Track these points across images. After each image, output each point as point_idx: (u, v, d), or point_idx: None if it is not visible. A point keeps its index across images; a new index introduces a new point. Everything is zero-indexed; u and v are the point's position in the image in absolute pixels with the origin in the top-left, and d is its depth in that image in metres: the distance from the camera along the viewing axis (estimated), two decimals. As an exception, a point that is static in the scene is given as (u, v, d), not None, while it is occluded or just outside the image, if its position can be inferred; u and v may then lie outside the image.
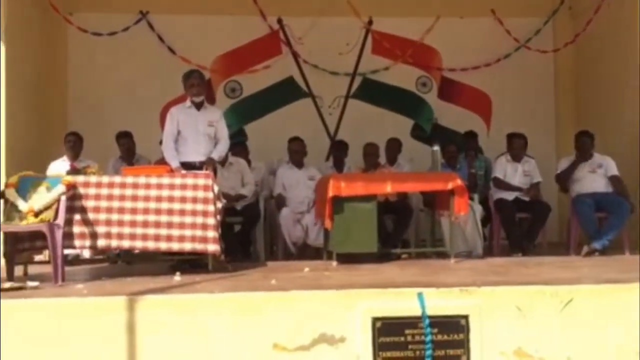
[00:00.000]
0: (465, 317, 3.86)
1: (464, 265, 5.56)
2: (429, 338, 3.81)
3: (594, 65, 8.25)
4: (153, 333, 3.75)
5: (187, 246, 4.95)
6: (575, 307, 3.90)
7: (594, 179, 6.63)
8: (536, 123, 8.38)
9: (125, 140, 7.02)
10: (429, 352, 3.81)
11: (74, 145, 6.65)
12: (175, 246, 4.95)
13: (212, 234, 4.93)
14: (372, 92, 8.55)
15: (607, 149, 6.94)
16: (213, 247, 4.93)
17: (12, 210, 4.76)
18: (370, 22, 8.51)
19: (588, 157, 6.72)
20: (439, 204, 6.23)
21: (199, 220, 4.93)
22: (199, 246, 4.93)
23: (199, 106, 5.81)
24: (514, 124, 7.80)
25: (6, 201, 4.80)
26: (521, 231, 6.72)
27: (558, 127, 8.68)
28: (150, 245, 4.92)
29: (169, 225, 4.91)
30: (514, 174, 6.92)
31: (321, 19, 8.16)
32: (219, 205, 5.05)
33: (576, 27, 8.47)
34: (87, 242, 4.92)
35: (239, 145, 7.32)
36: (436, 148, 6.33)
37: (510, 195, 6.80)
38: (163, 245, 4.93)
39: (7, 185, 4.85)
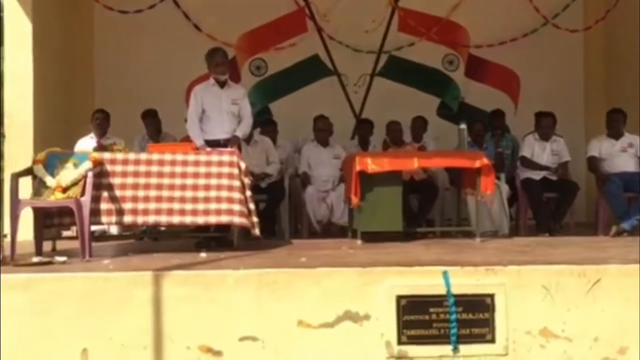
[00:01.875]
0: (491, 296, 3.85)
1: (490, 244, 5.51)
2: (453, 317, 3.80)
3: (624, 42, 8.05)
4: (178, 308, 3.80)
5: (212, 219, 4.97)
6: (603, 287, 3.86)
7: (624, 158, 6.54)
8: (565, 101, 8.22)
9: (151, 120, 7.03)
10: (453, 331, 3.80)
11: (101, 123, 6.71)
12: (200, 219, 4.97)
13: (237, 207, 4.93)
14: (398, 70, 8.45)
15: (638, 128, 6.81)
16: (239, 220, 4.94)
17: (40, 186, 4.81)
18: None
19: (619, 135, 6.63)
20: (465, 182, 6.18)
21: (224, 194, 4.94)
22: (224, 218, 4.94)
23: (222, 84, 5.81)
24: (542, 102, 7.66)
25: (34, 177, 4.86)
26: (548, 211, 6.64)
27: (587, 105, 8.52)
28: (176, 219, 4.95)
29: (194, 199, 4.93)
30: (542, 153, 6.83)
31: (347, -5, 8.08)
32: (247, 181, 5.06)
33: (607, 3, 8.27)
34: (114, 219, 4.96)
35: (268, 123, 7.32)
36: (463, 127, 6.26)
37: (537, 175, 6.72)
38: (188, 219, 4.96)
39: (35, 162, 4.90)
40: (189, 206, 4.93)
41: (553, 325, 3.84)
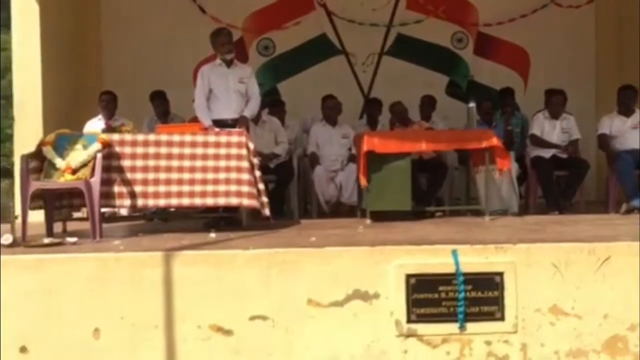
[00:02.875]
0: (500, 274, 3.84)
1: (499, 222, 5.50)
2: (462, 295, 3.80)
3: (635, 18, 7.94)
4: (188, 288, 3.82)
5: (222, 201, 5.00)
6: (613, 265, 3.85)
7: (635, 135, 6.48)
8: (575, 79, 8.15)
9: (159, 101, 7.03)
10: (461, 309, 3.80)
11: (108, 104, 6.71)
12: (209, 201, 5.00)
13: (246, 188, 4.95)
14: (407, 48, 8.41)
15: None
16: (248, 202, 4.95)
17: (49, 167, 4.83)
18: (404, -24, 8.33)
19: (630, 112, 6.58)
20: (475, 159, 6.16)
21: (233, 175, 4.96)
22: (233, 200, 4.96)
23: (229, 64, 5.80)
24: (552, 79, 7.60)
25: (44, 159, 4.87)
26: (558, 189, 6.61)
27: (598, 82, 8.44)
28: (185, 201, 4.97)
29: (203, 181, 4.95)
30: (552, 131, 6.79)
31: (354, -27, 8.02)
32: (255, 161, 5.06)
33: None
34: (125, 201, 4.99)
35: (276, 103, 7.30)
36: (472, 105, 6.23)
37: (547, 153, 6.68)
38: (198, 201, 4.98)
39: (44, 143, 4.90)
40: (198, 188, 4.95)
41: (563, 303, 3.83)
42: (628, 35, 8.22)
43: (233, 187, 4.96)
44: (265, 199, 5.08)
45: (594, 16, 8.48)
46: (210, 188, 4.96)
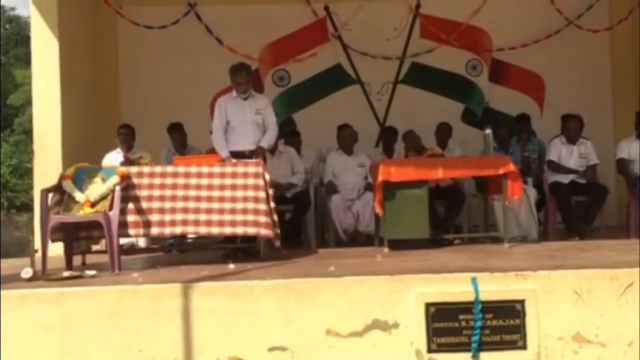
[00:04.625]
0: (521, 302, 3.81)
1: (519, 249, 5.46)
2: (478, 324, 3.76)
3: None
4: (207, 320, 3.81)
5: (239, 230, 4.99)
6: (636, 291, 3.79)
7: (653, 159, 6.44)
8: (592, 103, 8.12)
9: (176, 133, 7.08)
10: (475, 338, 3.75)
11: (127, 138, 6.77)
12: (227, 230, 5.01)
13: (263, 219, 4.95)
14: (421, 76, 8.44)
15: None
16: (265, 231, 4.96)
17: (69, 201, 4.87)
18: (418, 6, 8.38)
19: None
20: (492, 188, 6.13)
21: (250, 205, 4.97)
22: (251, 230, 4.97)
23: (246, 96, 5.84)
24: (569, 104, 7.58)
25: (63, 192, 4.92)
26: (578, 215, 6.55)
27: (615, 106, 8.39)
28: (202, 230, 4.99)
29: (221, 211, 4.96)
30: (570, 156, 6.75)
31: (367, 4, 8.07)
32: (271, 192, 5.07)
33: (632, 1, 8.16)
34: (142, 231, 5.01)
35: (292, 133, 7.34)
36: (488, 131, 6.22)
37: (565, 178, 6.63)
38: (215, 230, 4.99)
39: (64, 177, 4.97)
40: (215, 217, 4.96)
41: (586, 331, 3.78)
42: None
43: (250, 217, 4.97)
44: (277, 231, 5.08)
45: (609, 40, 8.47)
46: (227, 217, 4.97)
